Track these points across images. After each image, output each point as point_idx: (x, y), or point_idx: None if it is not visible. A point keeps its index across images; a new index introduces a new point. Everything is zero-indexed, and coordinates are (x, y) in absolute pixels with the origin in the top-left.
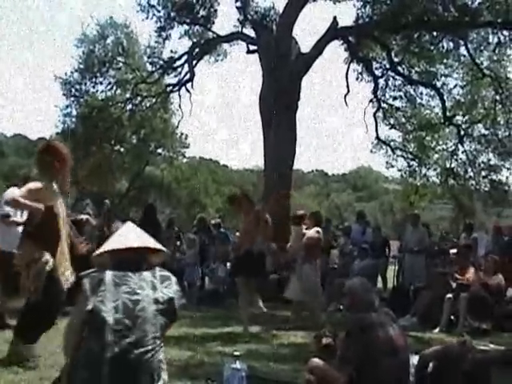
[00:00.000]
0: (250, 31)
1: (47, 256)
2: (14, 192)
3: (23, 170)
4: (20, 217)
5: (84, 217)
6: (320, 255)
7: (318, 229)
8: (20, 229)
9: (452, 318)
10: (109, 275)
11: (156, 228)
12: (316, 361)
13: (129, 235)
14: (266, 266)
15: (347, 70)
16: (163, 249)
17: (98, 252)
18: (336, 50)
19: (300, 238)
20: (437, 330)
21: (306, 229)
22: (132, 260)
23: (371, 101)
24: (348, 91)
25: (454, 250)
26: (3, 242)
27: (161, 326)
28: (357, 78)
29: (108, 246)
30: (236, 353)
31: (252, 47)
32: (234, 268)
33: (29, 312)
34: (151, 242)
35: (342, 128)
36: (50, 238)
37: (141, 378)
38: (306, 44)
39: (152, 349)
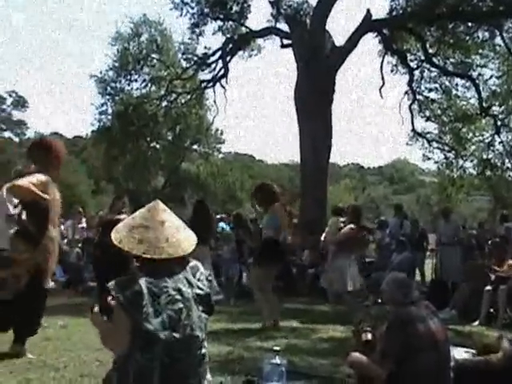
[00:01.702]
0: (283, 25)
1: (40, 255)
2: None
3: (17, 167)
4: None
5: (122, 216)
6: (358, 249)
7: (353, 226)
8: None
9: (492, 310)
10: (144, 285)
11: (208, 226)
12: (356, 355)
13: (165, 233)
14: (303, 260)
15: (382, 63)
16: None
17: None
18: (370, 43)
19: (336, 230)
20: (476, 323)
21: (344, 222)
22: (166, 265)
23: (406, 93)
24: (383, 84)
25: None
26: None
27: (205, 325)
28: (392, 71)
29: (142, 249)
30: (275, 348)
31: (286, 41)
32: (258, 258)
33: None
34: (190, 240)
35: (377, 121)
36: (40, 235)
37: (190, 383)
38: (339, 37)
39: (200, 352)
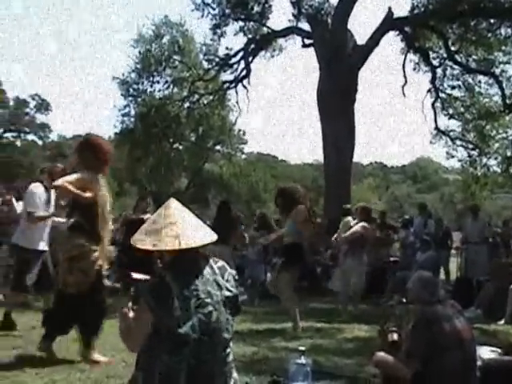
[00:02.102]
0: (304, 25)
1: (96, 253)
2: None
3: (46, 164)
4: (44, 212)
5: (146, 216)
6: (374, 248)
7: (364, 224)
8: (45, 224)
9: None
10: (175, 287)
11: (231, 226)
12: (381, 354)
13: (185, 226)
14: (326, 259)
15: (404, 61)
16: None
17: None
18: (392, 41)
19: (346, 230)
20: (502, 321)
21: (355, 222)
22: (193, 260)
23: (429, 91)
24: (405, 82)
25: None
26: (23, 239)
27: (232, 326)
28: (414, 69)
29: (165, 242)
30: (301, 348)
31: (307, 41)
32: (285, 260)
33: (63, 305)
34: (205, 234)
35: (400, 120)
36: (95, 231)
37: (216, 383)
38: (361, 36)
39: (225, 352)
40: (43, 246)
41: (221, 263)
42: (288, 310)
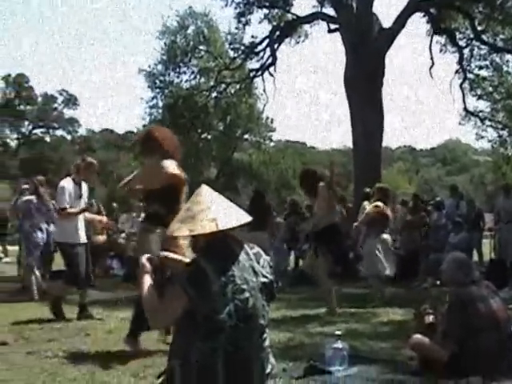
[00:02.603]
0: (329, 10)
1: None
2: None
3: (76, 159)
4: (80, 206)
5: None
6: (406, 231)
7: (378, 203)
8: (79, 218)
9: None
10: (212, 273)
11: (267, 213)
12: (418, 337)
13: (219, 209)
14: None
15: (430, 43)
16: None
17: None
18: (418, 23)
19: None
20: None
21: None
22: (228, 247)
23: (457, 72)
24: (432, 64)
25: None
26: (60, 234)
27: (267, 312)
28: (441, 50)
29: (203, 226)
30: (337, 332)
31: (333, 26)
32: (316, 244)
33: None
34: (239, 216)
35: (428, 102)
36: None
37: (253, 370)
38: (387, 19)
39: (263, 339)
40: (80, 239)
41: (256, 249)
42: (324, 294)
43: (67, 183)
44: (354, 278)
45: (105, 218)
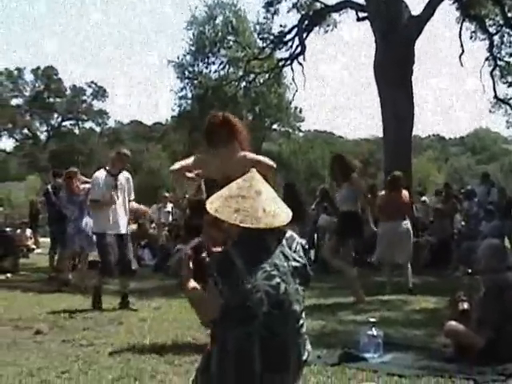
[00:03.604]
0: None
1: None
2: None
3: (106, 150)
4: (108, 197)
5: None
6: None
7: (382, 192)
8: (115, 208)
9: None
10: (239, 261)
11: (298, 209)
12: (453, 324)
13: (261, 203)
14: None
15: (460, 30)
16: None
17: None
18: (447, 10)
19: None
20: None
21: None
22: (257, 233)
23: (487, 59)
24: (462, 51)
25: None
26: (94, 224)
27: (302, 297)
28: (470, 37)
29: (239, 219)
30: (371, 319)
31: (361, 14)
32: (339, 232)
33: None
34: (286, 211)
35: (457, 90)
36: None
37: (290, 355)
38: (416, 7)
39: (298, 324)
40: (114, 229)
41: (289, 233)
42: (348, 283)
43: (101, 174)
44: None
45: (148, 209)
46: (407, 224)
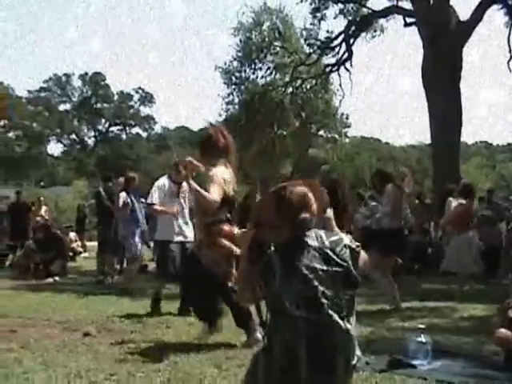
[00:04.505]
0: (405, 3)
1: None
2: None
3: (151, 156)
4: (180, 204)
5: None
6: (471, 226)
7: (461, 201)
8: (174, 217)
9: None
10: (277, 263)
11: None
12: (503, 331)
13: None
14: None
15: (509, 35)
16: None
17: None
18: (496, 15)
19: (450, 211)
20: None
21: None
22: (299, 236)
23: None
24: (511, 56)
25: None
26: (156, 231)
27: (347, 301)
28: None
29: None
30: (420, 326)
31: (409, 20)
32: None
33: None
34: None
35: (504, 95)
36: None
37: (337, 360)
38: (464, 12)
39: (345, 329)
40: (181, 238)
41: (336, 237)
42: (384, 292)
43: (163, 180)
44: (432, 273)
45: None
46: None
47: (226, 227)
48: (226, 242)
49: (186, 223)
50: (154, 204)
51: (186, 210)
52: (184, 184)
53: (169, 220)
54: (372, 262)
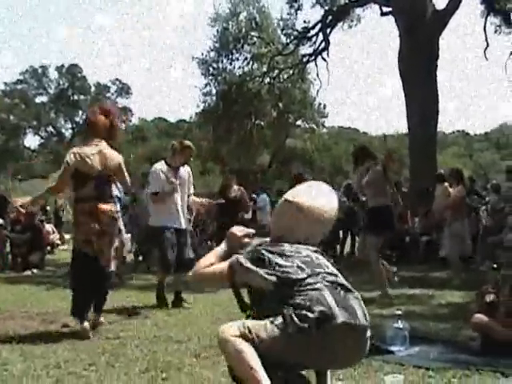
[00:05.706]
0: None
1: None
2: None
3: (173, 144)
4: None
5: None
6: (468, 213)
7: (461, 187)
8: (172, 202)
9: None
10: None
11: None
12: (480, 316)
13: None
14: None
15: (485, 24)
16: None
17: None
18: (471, 4)
19: (445, 197)
20: None
21: (451, 187)
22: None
23: None
24: (487, 45)
25: None
26: (151, 218)
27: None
28: (495, 31)
29: None
30: (397, 312)
31: (385, 9)
32: (365, 225)
33: None
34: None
35: (482, 84)
36: None
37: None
38: (440, 1)
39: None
40: (176, 224)
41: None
42: (376, 276)
43: (160, 166)
44: (409, 261)
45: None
46: None
47: (89, 204)
48: (87, 219)
49: (181, 210)
50: (157, 193)
51: (181, 197)
52: (181, 170)
53: (165, 206)
54: (369, 244)
